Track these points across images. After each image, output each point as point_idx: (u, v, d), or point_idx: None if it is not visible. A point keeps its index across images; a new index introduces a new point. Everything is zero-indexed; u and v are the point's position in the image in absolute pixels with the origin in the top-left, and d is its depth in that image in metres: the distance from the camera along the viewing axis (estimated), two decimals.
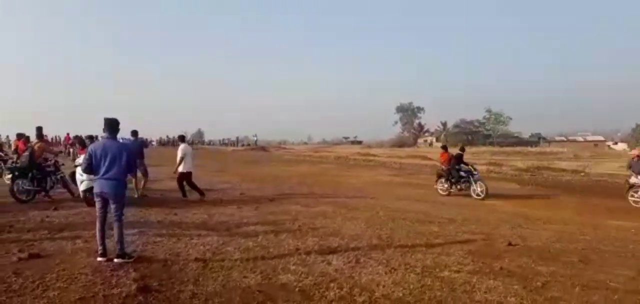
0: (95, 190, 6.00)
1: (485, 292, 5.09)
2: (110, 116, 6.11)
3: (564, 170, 28.83)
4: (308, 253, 6.54)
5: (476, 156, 41.05)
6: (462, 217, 10.66)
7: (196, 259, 6.08)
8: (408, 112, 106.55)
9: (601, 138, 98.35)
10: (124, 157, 5.93)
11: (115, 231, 5.94)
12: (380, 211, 10.94)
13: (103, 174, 5.86)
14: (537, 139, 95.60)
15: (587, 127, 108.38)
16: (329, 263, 6.04)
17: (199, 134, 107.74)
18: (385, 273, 5.68)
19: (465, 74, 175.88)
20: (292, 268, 5.82)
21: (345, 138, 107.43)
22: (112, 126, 6.09)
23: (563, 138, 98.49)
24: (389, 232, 8.38)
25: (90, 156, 5.96)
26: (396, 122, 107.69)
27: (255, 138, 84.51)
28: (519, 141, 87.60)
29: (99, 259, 5.88)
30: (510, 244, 7.66)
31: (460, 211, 11.88)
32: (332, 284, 5.17)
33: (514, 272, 5.94)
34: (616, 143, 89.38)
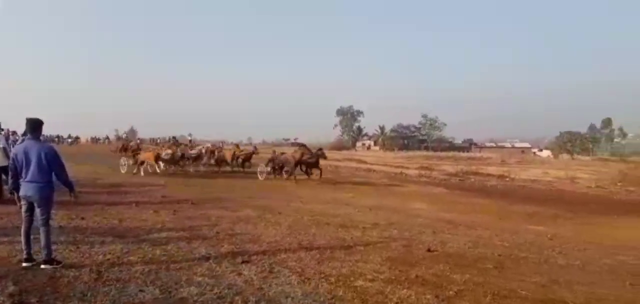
0: (21, 193, 5.54)
1: (397, 302, 4.93)
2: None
3: (490, 175, 30.03)
4: (219, 262, 6.14)
5: (410, 160, 42.03)
6: (387, 221, 10.62)
7: (91, 270, 5.53)
8: (348, 116, 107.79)
9: (528, 145, 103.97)
10: (47, 159, 5.46)
11: (41, 236, 5.54)
12: (305, 216, 10.70)
13: (27, 178, 5.42)
14: (469, 145, 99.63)
15: (516, 134, 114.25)
16: (240, 274, 5.68)
17: (133, 132, 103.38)
18: (298, 283, 5.40)
19: (403, 79, 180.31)
20: (198, 279, 5.40)
21: (286, 140, 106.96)
22: (34, 126, 5.60)
23: (493, 144, 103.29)
24: (310, 238, 8.14)
25: (12, 159, 5.57)
26: (336, 125, 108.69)
27: (190, 138, 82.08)
28: (452, 146, 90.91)
29: (24, 264, 5.48)
30: (429, 250, 7.63)
31: (385, 215, 11.86)
32: (237, 298, 4.81)
33: (428, 280, 5.84)
34: (541, 150, 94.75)
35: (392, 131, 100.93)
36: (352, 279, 5.70)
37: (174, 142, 27.83)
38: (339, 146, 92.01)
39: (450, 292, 5.38)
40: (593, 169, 35.97)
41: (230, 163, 25.21)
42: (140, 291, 4.90)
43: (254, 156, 25.53)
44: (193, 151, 23.73)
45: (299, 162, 21.50)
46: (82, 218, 8.93)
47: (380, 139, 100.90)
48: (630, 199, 20.19)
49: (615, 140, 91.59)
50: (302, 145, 22.72)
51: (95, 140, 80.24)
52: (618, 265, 7.55)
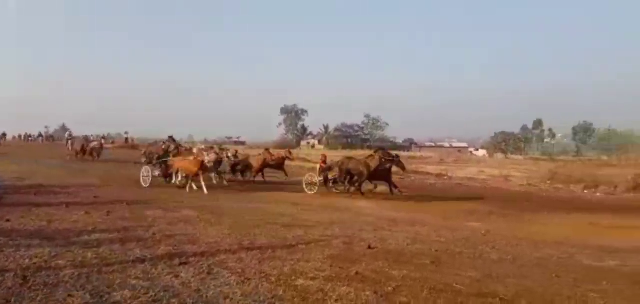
0: None
1: (337, 300, 4.94)
2: None
3: (429, 174, 30.96)
4: (155, 264, 5.92)
5: None
6: (329, 220, 10.68)
7: (16, 275, 5.17)
8: (292, 114, 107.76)
9: (465, 145, 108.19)
10: None
11: None
12: (247, 216, 10.56)
13: None
14: (409, 144, 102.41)
15: (454, 134, 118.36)
16: (177, 276, 5.49)
17: (64, 129, 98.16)
18: (237, 284, 5.29)
19: (348, 78, 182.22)
20: (133, 282, 5.18)
21: (229, 138, 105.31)
22: None
23: (432, 144, 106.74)
24: (252, 238, 8.03)
25: None
26: (280, 124, 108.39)
27: (126, 135, 79.01)
28: (394, 146, 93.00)
29: None
30: (369, 247, 7.74)
31: (328, 214, 11.93)
32: (173, 301, 4.65)
33: (368, 277, 5.90)
34: (477, 150, 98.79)
35: (336, 130, 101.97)
36: (293, 278, 5.66)
37: (210, 147, 20.67)
38: (282, 145, 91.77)
39: (389, 288, 5.47)
40: (525, 168, 37.85)
41: (256, 172, 20.81)
42: (70, 295, 4.63)
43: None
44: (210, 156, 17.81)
45: (374, 171, 16.87)
46: (7, 220, 8.37)
47: (324, 138, 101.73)
48: (558, 196, 21.37)
49: (546, 140, 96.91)
50: (381, 148, 18.33)
51: (28, 138, 73.83)
52: (546, 259, 7.96)
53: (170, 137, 22.31)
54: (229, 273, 5.74)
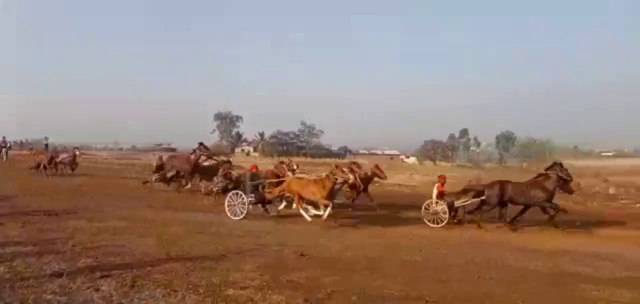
0: None
1: None
2: None
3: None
4: (74, 278, 5.59)
5: None
6: (262, 229, 10.58)
7: None
8: (226, 121, 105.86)
9: (397, 152, 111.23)
10: None
11: None
12: (178, 226, 10.22)
13: None
14: (344, 152, 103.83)
15: (387, 142, 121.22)
16: (97, 289, 5.22)
17: None
18: (163, 297, 5.11)
19: (284, 85, 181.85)
20: (48, 297, 4.87)
21: (158, 145, 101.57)
22: None
23: (366, 151, 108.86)
24: (180, 248, 7.79)
25: None
26: (214, 130, 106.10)
27: (46, 141, 74.02)
28: (329, 153, 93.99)
29: None
30: (302, 254, 7.74)
31: (262, 223, 11.77)
32: None
33: (300, 284, 5.91)
34: (408, 157, 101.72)
35: (271, 137, 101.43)
36: (222, 288, 5.55)
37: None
38: (216, 152, 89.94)
39: (320, 294, 5.50)
40: (452, 175, 39.46)
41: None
42: None
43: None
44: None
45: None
46: None
47: (260, 146, 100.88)
48: None
49: (471, 148, 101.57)
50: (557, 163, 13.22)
51: None
52: (468, 262, 8.32)
53: (201, 144, 18.90)
54: (154, 285, 5.53)
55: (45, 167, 23.79)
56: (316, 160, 64.25)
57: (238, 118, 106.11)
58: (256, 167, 14.66)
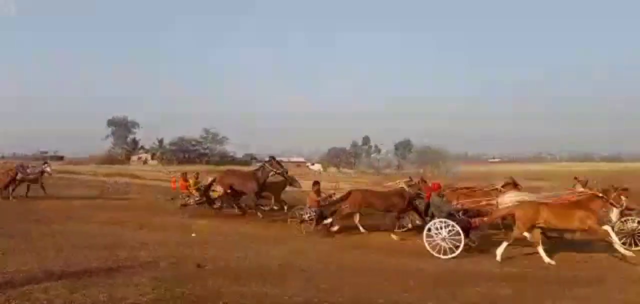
0: None
1: None
2: None
3: None
4: None
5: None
6: (157, 240, 10.08)
7: None
8: (121, 127, 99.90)
9: (302, 159, 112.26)
10: None
11: None
12: (58, 237, 9.42)
13: None
14: (250, 159, 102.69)
15: (294, 149, 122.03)
16: None
17: None
18: None
19: (187, 94, 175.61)
20: None
21: (43, 152, 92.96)
22: None
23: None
24: (62, 263, 7.17)
25: None
26: (108, 137, 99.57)
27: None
28: (234, 161, 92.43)
29: None
30: (199, 266, 7.49)
31: (156, 234, 11.22)
32: None
33: (196, 297, 5.70)
34: (313, 164, 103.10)
35: (171, 144, 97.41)
36: None
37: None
38: (110, 160, 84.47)
39: None
40: (354, 180, 40.93)
41: None
42: None
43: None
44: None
45: None
46: None
47: (158, 153, 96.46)
48: None
49: (372, 155, 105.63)
50: None
51: None
52: (376, 264, 8.61)
53: (272, 157, 16.64)
54: None
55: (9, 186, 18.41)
56: (221, 168, 62.96)
57: (134, 124, 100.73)
58: (439, 186, 11.24)
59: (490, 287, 7.12)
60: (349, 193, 13.16)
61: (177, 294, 5.74)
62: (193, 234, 11.26)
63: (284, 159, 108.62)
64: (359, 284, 7.02)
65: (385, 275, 7.72)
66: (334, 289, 6.55)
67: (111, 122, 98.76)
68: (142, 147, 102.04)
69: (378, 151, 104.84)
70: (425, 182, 13.94)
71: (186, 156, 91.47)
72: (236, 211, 15.65)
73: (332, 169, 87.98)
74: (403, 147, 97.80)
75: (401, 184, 13.44)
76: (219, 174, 17.04)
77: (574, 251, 10.28)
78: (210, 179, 16.70)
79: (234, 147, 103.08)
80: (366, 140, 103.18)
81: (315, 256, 9.36)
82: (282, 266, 8.14)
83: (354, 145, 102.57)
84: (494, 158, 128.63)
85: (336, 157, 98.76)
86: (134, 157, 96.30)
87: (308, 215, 12.70)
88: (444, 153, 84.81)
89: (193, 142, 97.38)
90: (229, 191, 15.59)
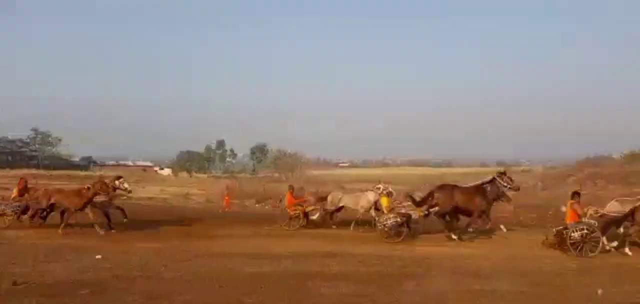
0: None
1: None
2: None
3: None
4: None
5: (13, 180, 36.07)
6: None
7: None
8: None
9: (150, 163, 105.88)
10: None
11: None
12: None
13: None
14: (87, 163, 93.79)
15: (141, 153, 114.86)
16: None
17: None
18: None
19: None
20: None
21: None
22: None
23: (114, 162, 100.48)
24: None
25: None
26: None
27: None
28: (69, 164, 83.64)
29: None
30: (15, 283, 6.54)
31: None
32: None
33: None
34: (162, 168, 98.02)
35: None
36: None
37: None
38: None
39: None
40: (207, 186, 39.83)
41: None
42: None
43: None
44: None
45: None
46: None
47: None
48: (232, 211, 22.96)
49: (227, 159, 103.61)
50: None
51: None
52: (214, 270, 8.39)
53: (503, 173, 13.65)
54: None
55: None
56: (53, 173, 56.39)
57: None
58: None
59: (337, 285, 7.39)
60: None
61: None
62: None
63: (129, 163, 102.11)
64: (194, 291, 6.79)
65: (227, 280, 7.57)
66: (170, 295, 6.28)
67: None
68: None
69: (233, 155, 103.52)
70: None
71: (10, 158, 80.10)
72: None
73: (184, 174, 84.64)
74: (259, 152, 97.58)
75: None
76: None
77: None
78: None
79: (71, 149, 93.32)
80: (221, 144, 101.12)
81: (155, 261, 8.85)
82: (106, 278, 7.52)
83: (208, 149, 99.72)
84: (344, 163, 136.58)
85: (188, 162, 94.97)
86: None
87: None
88: (299, 157, 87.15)
89: (18, 143, 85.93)
90: None
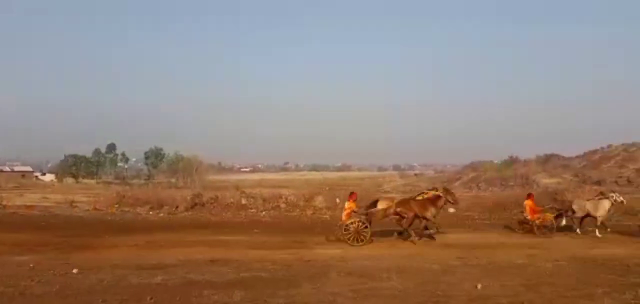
0: None
1: None
2: None
3: None
4: None
5: None
6: None
7: None
8: None
9: (29, 169, 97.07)
10: None
11: None
12: None
13: None
14: None
15: (20, 156, 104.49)
16: None
17: None
18: None
19: None
20: None
21: None
22: None
23: None
24: None
25: None
26: None
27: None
28: None
29: None
30: None
31: None
32: None
33: None
34: (44, 174, 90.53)
35: None
36: None
37: None
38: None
39: None
40: (95, 192, 36.99)
41: None
42: None
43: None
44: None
45: None
46: None
47: None
48: (124, 219, 21.53)
49: (119, 164, 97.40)
50: None
51: None
52: (97, 284, 7.81)
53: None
54: None
55: None
56: None
57: None
58: None
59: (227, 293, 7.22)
60: None
61: None
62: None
63: (6, 169, 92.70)
64: None
65: (111, 293, 7.07)
66: None
67: None
68: None
69: (126, 159, 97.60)
70: None
71: None
72: None
73: (69, 180, 78.27)
74: (154, 156, 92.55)
75: None
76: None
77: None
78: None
79: None
80: (111, 147, 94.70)
81: (27, 275, 8.05)
82: None
83: (97, 153, 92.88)
84: (246, 168, 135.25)
85: (74, 166, 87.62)
86: None
87: None
88: (197, 162, 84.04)
89: None
90: None
